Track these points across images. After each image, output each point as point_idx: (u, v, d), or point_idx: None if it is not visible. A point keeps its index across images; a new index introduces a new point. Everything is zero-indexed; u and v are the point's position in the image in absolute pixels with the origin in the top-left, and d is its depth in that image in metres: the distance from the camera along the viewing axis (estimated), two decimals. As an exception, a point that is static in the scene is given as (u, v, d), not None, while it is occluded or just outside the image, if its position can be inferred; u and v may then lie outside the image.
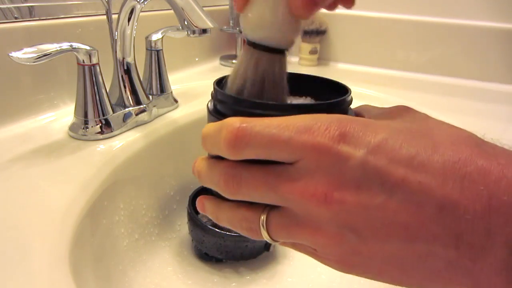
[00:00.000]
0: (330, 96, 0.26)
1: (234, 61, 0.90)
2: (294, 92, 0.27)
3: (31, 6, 0.53)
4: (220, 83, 0.26)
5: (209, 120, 0.25)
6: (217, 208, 0.24)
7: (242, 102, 0.23)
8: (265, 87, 0.24)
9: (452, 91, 0.80)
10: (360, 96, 0.71)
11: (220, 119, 0.21)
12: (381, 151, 0.18)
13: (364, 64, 0.92)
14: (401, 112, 0.23)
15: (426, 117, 0.22)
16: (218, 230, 0.49)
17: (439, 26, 0.84)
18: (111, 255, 0.44)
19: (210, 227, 0.49)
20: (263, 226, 0.21)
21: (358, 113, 0.25)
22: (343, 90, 0.25)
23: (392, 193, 0.17)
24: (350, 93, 0.24)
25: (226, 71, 0.86)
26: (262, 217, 0.21)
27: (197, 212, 0.52)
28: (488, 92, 0.79)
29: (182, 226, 0.58)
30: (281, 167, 0.20)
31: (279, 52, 0.23)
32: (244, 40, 0.24)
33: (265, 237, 0.22)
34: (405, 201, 0.17)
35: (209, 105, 0.26)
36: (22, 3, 0.52)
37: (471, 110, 0.68)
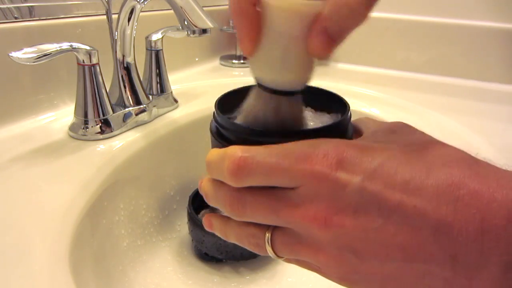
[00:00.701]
0: (330, 106, 0.27)
1: (234, 61, 0.90)
2: None
3: (31, 6, 0.53)
4: (221, 103, 0.26)
5: (212, 144, 0.25)
6: (225, 226, 0.25)
7: (243, 130, 0.23)
8: (287, 127, 0.24)
9: (452, 91, 0.79)
10: (360, 96, 0.71)
11: (223, 144, 0.23)
12: (377, 177, 0.19)
13: (364, 64, 0.91)
14: (398, 130, 0.24)
15: (421, 135, 0.23)
16: (218, 230, 0.49)
17: (439, 26, 0.84)
18: (111, 255, 0.44)
19: (210, 227, 0.49)
20: (268, 243, 0.23)
21: (356, 127, 0.26)
22: (341, 103, 0.25)
23: (389, 216, 0.18)
24: (349, 110, 0.25)
25: (226, 71, 0.87)
26: (267, 235, 0.23)
27: (197, 212, 0.52)
28: (488, 92, 0.78)
29: (182, 226, 0.58)
30: (282, 191, 0.21)
31: (298, 93, 0.23)
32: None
33: (270, 253, 0.23)
34: (401, 224, 0.18)
35: (211, 126, 0.26)
36: (22, 3, 0.52)
37: (471, 110, 0.68)
